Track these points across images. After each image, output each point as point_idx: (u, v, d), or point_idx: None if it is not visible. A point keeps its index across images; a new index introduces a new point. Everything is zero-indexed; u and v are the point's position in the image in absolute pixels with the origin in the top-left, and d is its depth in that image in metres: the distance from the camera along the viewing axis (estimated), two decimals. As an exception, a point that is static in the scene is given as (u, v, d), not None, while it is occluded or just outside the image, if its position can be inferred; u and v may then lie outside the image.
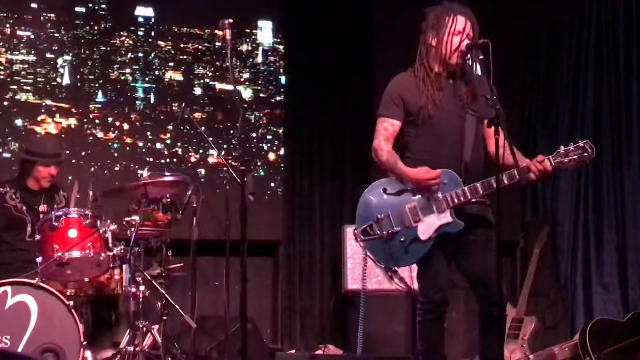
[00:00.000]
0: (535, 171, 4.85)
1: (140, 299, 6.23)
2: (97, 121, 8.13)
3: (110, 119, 8.16)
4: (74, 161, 7.78)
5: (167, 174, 6.81)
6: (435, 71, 5.03)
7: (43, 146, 6.78)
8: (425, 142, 5.03)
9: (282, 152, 8.69)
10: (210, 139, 7.64)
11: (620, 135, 8.02)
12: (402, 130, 5.12)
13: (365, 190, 5.19)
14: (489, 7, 8.46)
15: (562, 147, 4.92)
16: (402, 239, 4.96)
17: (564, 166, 4.90)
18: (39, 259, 5.97)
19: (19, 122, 7.88)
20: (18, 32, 7.92)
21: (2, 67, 7.87)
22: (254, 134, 8.61)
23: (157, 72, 8.36)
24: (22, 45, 7.93)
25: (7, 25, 7.89)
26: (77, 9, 8.13)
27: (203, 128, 7.71)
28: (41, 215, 6.33)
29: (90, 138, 8.08)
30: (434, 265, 4.98)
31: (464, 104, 4.99)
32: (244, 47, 8.65)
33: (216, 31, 8.29)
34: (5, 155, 7.80)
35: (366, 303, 7.09)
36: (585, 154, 4.87)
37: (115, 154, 8.14)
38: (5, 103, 7.85)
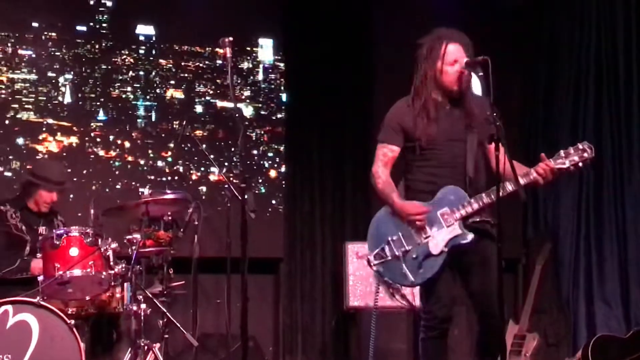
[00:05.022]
0: (541, 172, 4.91)
1: (142, 317, 6.21)
2: (98, 139, 8.14)
3: (111, 137, 8.17)
4: (75, 179, 7.77)
5: (169, 191, 6.81)
6: (433, 99, 5.07)
7: (50, 171, 6.68)
8: (426, 167, 5.11)
9: (283, 169, 8.69)
10: (212, 156, 7.68)
11: (621, 151, 8.03)
12: (402, 155, 5.19)
13: (375, 215, 5.29)
14: (489, 25, 8.52)
15: (561, 150, 4.96)
16: (414, 256, 5.02)
17: (565, 168, 4.94)
18: (40, 278, 5.95)
19: (20, 140, 7.89)
20: (19, 51, 7.94)
21: (3, 86, 7.89)
22: (255, 152, 8.62)
23: (158, 90, 8.38)
24: (23, 64, 7.95)
25: (9, 45, 7.91)
26: (78, 27, 8.15)
27: (204, 146, 7.74)
28: (40, 237, 6.30)
29: (92, 156, 8.09)
30: (438, 281, 5.02)
31: (464, 127, 5.03)
32: (245, 65, 8.67)
33: (217, 49, 8.29)
34: (7, 174, 7.80)
35: (369, 320, 7.08)
36: (585, 154, 4.93)
37: (117, 172, 8.15)
38: (7, 122, 7.86)
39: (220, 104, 8.53)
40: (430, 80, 5.07)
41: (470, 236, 4.96)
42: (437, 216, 5.01)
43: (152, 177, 8.20)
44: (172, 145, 8.29)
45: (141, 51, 8.34)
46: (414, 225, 5.03)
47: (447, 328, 5.12)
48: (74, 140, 8.06)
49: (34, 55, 7.98)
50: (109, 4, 8.23)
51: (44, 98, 7.99)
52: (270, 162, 8.68)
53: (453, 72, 5.01)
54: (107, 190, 8.08)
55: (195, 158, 8.35)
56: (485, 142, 4.90)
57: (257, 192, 8.43)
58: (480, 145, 5.03)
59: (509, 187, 4.88)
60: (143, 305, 6.24)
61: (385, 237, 5.12)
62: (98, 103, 8.17)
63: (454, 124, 5.06)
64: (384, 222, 5.19)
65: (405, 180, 5.20)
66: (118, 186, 8.13)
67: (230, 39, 5.28)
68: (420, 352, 5.15)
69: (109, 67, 8.23)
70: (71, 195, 7.52)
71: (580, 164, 4.95)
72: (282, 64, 8.80)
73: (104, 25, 8.22)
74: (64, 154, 7.93)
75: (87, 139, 8.09)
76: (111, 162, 8.15)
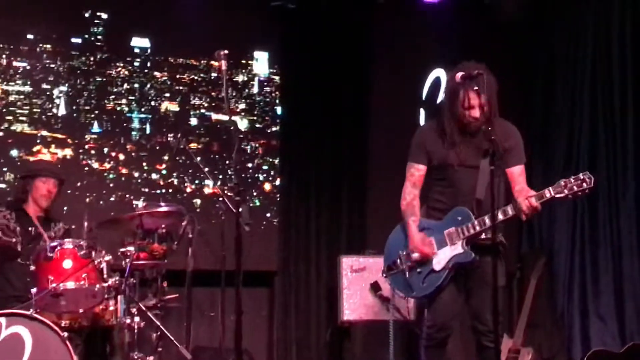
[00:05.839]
0: (525, 210, 5.15)
1: (135, 330, 6.21)
2: (92, 152, 8.12)
3: (106, 150, 8.16)
4: (69, 191, 7.74)
5: (163, 204, 6.78)
6: (452, 127, 5.39)
7: (42, 164, 7.10)
8: (439, 187, 5.52)
9: (277, 182, 8.68)
10: (206, 169, 7.67)
11: (616, 167, 8.03)
12: (427, 174, 5.56)
13: (394, 229, 5.70)
14: (485, 38, 8.55)
15: (562, 180, 5.12)
16: (419, 271, 5.42)
17: (563, 197, 5.11)
18: (33, 290, 5.93)
19: (14, 152, 7.87)
20: (14, 63, 7.93)
21: (-2, 98, 7.89)
22: (249, 165, 8.61)
23: (153, 103, 8.37)
24: (18, 76, 7.94)
25: (3, 56, 7.89)
26: (73, 39, 8.14)
27: (199, 158, 7.75)
28: (33, 239, 6.29)
29: (86, 168, 8.07)
30: (440, 295, 5.39)
31: (480, 154, 5.31)
32: (240, 78, 8.67)
33: (212, 62, 8.32)
34: (1, 185, 7.78)
35: (363, 333, 7.10)
36: (584, 184, 5.09)
37: (111, 185, 8.13)
38: (1, 134, 7.84)
39: (215, 116, 8.52)
40: (451, 114, 5.38)
41: (471, 256, 5.30)
42: (443, 235, 5.38)
43: (147, 190, 8.19)
44: (166, 157, 8.28)
45: (136, 63, 8.34)
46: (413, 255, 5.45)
47: (445, 337, 5.46)
48: (68, 152, 8.04)
49: (28, 67, 7.97)
50: (104, 16, 8.22)
51: (39, 110, 7.97)
52: (265, 175, 8.67)
53: (470, 115, 5.31)
54: (101, 202, 8.05)
55: (190, 171, 8.34)
56: (504, 168, 5.30)
57: (251, 205, 8.42)
58: (497, 170, 5.18)
59: (510, 211, 5.21)
60: (137, 318, 6.24)
61: (397, 251, 5.55)
62: (92, 115, 8.16)
63: (470, 151, 5.38)
64: (398, 236, 5.60)
65: (427, 197, 5.58)
66: (112, 198, 8.11)
67: (226, 51, 5.30)
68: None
69: (104, 79, 8.22)
70: (65, 207, 7.51)
71: (580, 194, 5.12)
72: (277, 77, 8.80)
73: (99, 37, 8.20)
74: (58, 166, 7.89)
75: (81, 151, 8.07)
76: (105, 174, 8.14)
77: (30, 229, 6.62)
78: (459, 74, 5.24)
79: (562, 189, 5.09)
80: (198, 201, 8.36)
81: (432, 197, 5.55)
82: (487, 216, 5.20)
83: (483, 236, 5.30)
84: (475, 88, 5.23)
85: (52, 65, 8.04)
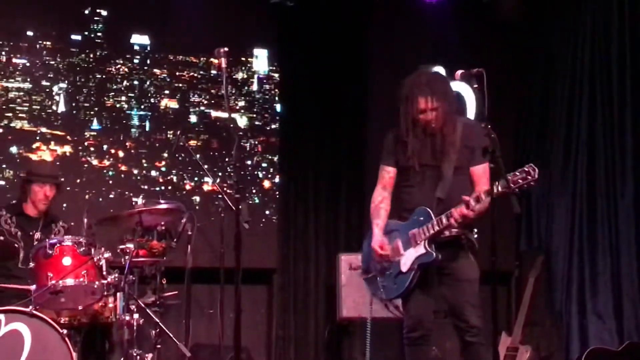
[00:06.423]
0: (456, 218, 5.26)
1: (134, 327, 6.21)
2: (92, 149, 8.12)
3: (105, 147, 8.16)
4: (68, 188, 7.74)
5: (162, 201, 6.79)
6: (412, 130, 5.48)
7: (39, 167, 6.95)
8: (405, 188, 5.60)
9: (277, 180, 8.69)
10: (206, 166, 7.68)
11: (614, 166, 8.04)
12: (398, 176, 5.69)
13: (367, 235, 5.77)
14: (484, 38, 8.55)
15: (508, 174, 5.06)
16: (389, 272, 5.51)
17: (511, 190, 5.06)
18: (33, 287, 5.94)
19: (14, 149, 7.87)
20: (14, 60, 7.93)
21: (-3, 95, 7.89)
22: (249, 162, 8.61)
23: (152, 100, 8.38)
24: (17, 72, 7.94)
25: (3, 53, 7.90)
26: (73, 36, 8.15)
27: (198, 156, 7.75)
28: (35, 243, 6.30)
29: (85, 165, 8.08)
30: (412, 293, 5.47)
31: (440, 154, 5.44)
32: (240, 75, 8.67)
33: (212, 59, 8.32)
34: (0, 182, 7.79)
35: (361, 330, 7.11)
36: (529, 177, 5.08)
37: (110, 182, 8.14)
38: (1, 130, 7.85)
39: (214, 114, 8.53)
40: (405, 118, 5.50)
41: (433, 255, 5.36)
42: (408, 236, 5.45)
43: (146, 187, 8.19)
44: (166, 155, 8.29)
45: (136, 61, 8.34)
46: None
47: (422, 337, 5.52)
48: (67, 149, 8.04)
49: (28, 64, 7.97)
50: (104, 13, 8.23)
51: (38, 107, 7.98)
52: (264, 172, 8.68)
53: (424, 119, 5.43)
54: (100, 199, 8.06)
55: (189, 168, 8.34)
56: (466, 166, 5.40)
57: (250, 202, 8.43)
58: (459, 170, 5.41)
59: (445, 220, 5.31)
60: (136, 315, 6.25)
61: (371, 254, 5.61)
62: (92, 112, 8.16)
63: (429, 152, 5.47)
64: (369, 241, 5.65)
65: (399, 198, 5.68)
66: (111, 196, 8.11)
67: (226, 49, 5.29)
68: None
69: (104, 76, 8.22)
70: (65, 205, 7.51)
71: (525, 186, 5.12)
72: (276, 75, 8.80)
73: (99, 34, 8.21)
74: (58, 163, 7.90)
75: (80, 148, 8.08)
76: (105, 171, 8.14)
77: (32, 233, 6.61)
78: (459, 72, 5.26)
79: (509, 184, 5.06)
80: (197, 198, 8.36)
81: (400, 198, 5.65)
82: (444, 215, 5.29)
83: (447, 233, 5.37)
84: (426, 92, 5.38)
85: (52, 62, 8.04)
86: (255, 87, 8.74)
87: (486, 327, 5.38)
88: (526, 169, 5.07)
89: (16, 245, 6.54)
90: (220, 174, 8.37)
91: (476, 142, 5.34)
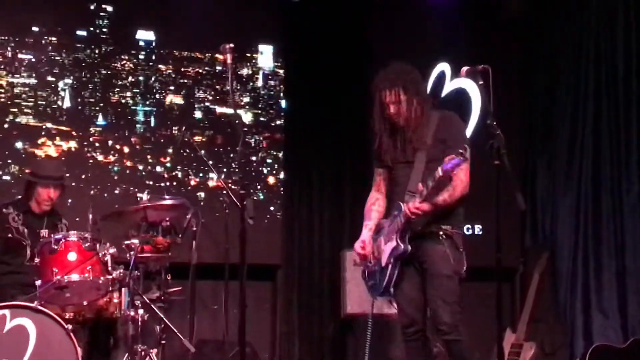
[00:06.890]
0: (406, 213, 5.26)
1: (139, 323, 6.22)
2: (97, 144, 8.14)
3: (110, 142, 8.17)
4: (73, 184, 7.76)
5: (167, 197, 6.80)
6: (385, 128, 5.54)
7: (44, 168, 6.83)
8: (392, 185, 5.60)
9: (281, 176, 8.69)
10: (210, 162, 7.68)
11: (619, 162, 8.03)
12: None
13: None
14: (489, 36, 8.55)
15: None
16: (375, 269, 5.50)
17: (440, 177, 5.10)
18: (38, 282, 5.95)
19: (19, 145, 7.89)
20: (19, 55, 7.95)
21: (3, 90, 7.89)
22: (253, 158, 8.61)
23: (157, 96, 8.39)
24: (23, 68, 7.96)
25: (9, 49, 7.92)
26: (78, 32, 8.16)
27: (203, 151, 7.76)
28: (42, 240, 6.31)
29: (91, 161, 8.09)
30: (400, 289, 5.45)
31: (412, 150, 5.42)
32: (245, 71, 8.67)
33: (217, 55, 8.33)
34: (5, 177, 7.80)
35: (366, 327, 7.10)
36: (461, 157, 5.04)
37: (115, 177, 8.15)
38: (6, 126, 7.87)
39: (219, 110, 8.53)
40: (376, 116, 5.56)
41: (401, 248, 5.32)
42: (387, 231, 5.44)
43: (151, 183, 8.20)
44: (171, 150, 8.29)
45: (141, 56, 8.35)
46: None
47: (416, 331, 5.45)
48: (72, 144, 8.06)
49: (33, 60, 7.99)
50: (110, 9, 8.24)
51: (43, 102, 8.00)
52: (269, 168, 8.67)
53: (392, 112, 5.43)
54: (105, 195, 8.07)
55: (194, 164, 8.35)
56: (440, 159, 5.16)
57: (255, 198, 8.43)
58: (432, 163, 5.28)
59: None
60: (141, 311, 6.25)
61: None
62: (97, 108, 8.17)
63: (402, 148, 5.46)
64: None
65: None
66: (117, 191, 8.12)
67: (231, 45, 5.29)
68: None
69: (109, 72, 8.23)
70: (69, 200, 7.52)
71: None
72: (281, 71, 8.80)
73: (104, 30, 8.22)
74: (63, 158, 7.92)
75: (85, 143, 8.09)
76: (110, 167, 8.16)
77: (38, 230, 6.62)
78: (464, 69, 5.24)
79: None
80: (202, 194, 8.36)
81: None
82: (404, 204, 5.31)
83: (419, 228, 5.32)
84: (391, 85, 5.41)
85: (57, 58, 8.06)
86: (260, 83, 8.74)
87: (491, 324, 5.37)
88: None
89: (24, 242, 6.54)
90: (225, 169, 8.37)
91: (449, 133, 5.33)
